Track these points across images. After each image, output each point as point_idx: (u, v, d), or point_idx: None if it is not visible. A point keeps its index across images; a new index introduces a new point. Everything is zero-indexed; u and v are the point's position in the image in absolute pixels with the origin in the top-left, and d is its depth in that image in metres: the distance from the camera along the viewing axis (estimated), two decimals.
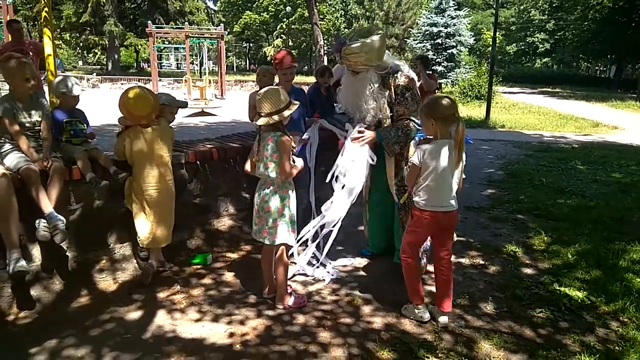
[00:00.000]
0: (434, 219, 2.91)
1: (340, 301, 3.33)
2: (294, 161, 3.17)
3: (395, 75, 3.48)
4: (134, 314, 3.11)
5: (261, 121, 3.05)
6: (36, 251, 3.24)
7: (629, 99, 23.50)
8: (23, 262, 2.92)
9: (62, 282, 3.32)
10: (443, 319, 3.02)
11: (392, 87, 3.48)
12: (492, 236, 4.53)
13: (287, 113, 3.07)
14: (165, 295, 3.35)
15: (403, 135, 3.47)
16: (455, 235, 3.84)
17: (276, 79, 4.51)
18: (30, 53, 6.83)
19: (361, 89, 3.49)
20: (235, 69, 56.68)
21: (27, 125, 3.29)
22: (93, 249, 3.56)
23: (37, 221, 3.08)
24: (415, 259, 3.10)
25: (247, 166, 3.26)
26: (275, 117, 3.03)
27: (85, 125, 3.71)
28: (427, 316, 3.04)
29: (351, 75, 3.59)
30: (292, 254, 3.66)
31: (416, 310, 3.06)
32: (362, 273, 3.80)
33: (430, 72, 7.70)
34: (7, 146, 3.21)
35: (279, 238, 3.13)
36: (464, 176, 3.13)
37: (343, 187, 3.52)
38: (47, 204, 3.06)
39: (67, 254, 3.41)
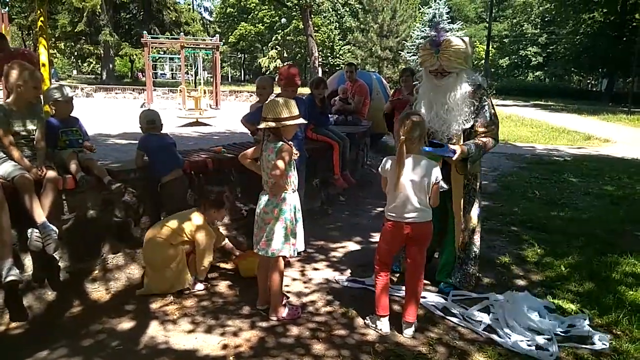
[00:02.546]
0: (397, 229, 2.94)
1: (334, 313, 3.32)
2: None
3: (481, 89, 3.34)
4: (127, 325, 3.08)
5: (262, 125, 3.06)
6: (28, 261, 3.21)
7: (620, 113, 23.72)
8: (16, 271, 2.89)
9: (54, 292, 3.29)
10: (407, 332, 3.02)
11: (477, 100, 3.31)
12: (486, 248, 4.54)
13: (289, 123, 3.05)
14: (158, 306, 3.33)
15: (482, 154, 3.33)
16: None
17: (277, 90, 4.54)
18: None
19: (451, 93, 3.26)
20: (230, 80, 56.79)
21: (23, 133, 3.28)
22: (86, 259, 3.54)
23: (29, 230, 3.06)
24: (383, 271, 3.08)
25: (247, 152, 3.29)
26: (272, 124, 3.03)
27: (81, 135, 3.70)
28: (385, 329, 3.04)
29: (434, 80, 3.31)
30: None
31: (377, 322, 3.07)
32: (357, 285, 3.79)
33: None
34: (1, 155, 3.19)
35: (275, 249, 3.12)
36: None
37: None
38: (40, 213, 3.05)
39: (59, 263, 3.39)
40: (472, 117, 3.34)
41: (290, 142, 3.13)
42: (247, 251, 3.96)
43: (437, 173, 2.93)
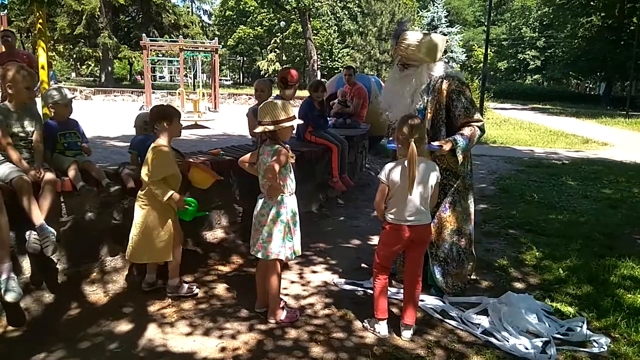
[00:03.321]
0: (400, 232, 2.94)
1: (332, 315, 3.31)
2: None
3: (448, 79, 3.40)
4: (125, 327, 3.07)
5: (259, 129, 3.06)
6: (26, 263, 3.20)
7: (618, 116, 23.82)
8: (13, 285, 2.86)
9: (52, 295, 3.28)
10: (405, 334, 3.02)
11: (445, 92, 3.39)
12: (484, 251, 4.54)
13: (286, 124, 3.06)
14: (156, 308, 3.32)
15: (469, 143, 3.36)
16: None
17: (274, 93, 4.56)
18: (24, 64, 6.82)
19: (405, 86, 3.38)
20: (230, 81, 56.88)
21: (21, 135, 3.29)
22: (84, 262, 3.53)
23: (27, 233, 3.05)
24: (382, 274, 3.07)
25: (245, 157, 3.30)
26: (270, 127, 3.03)
27: (79, 138, 3.70)
28: (384, 332, 3.05)
29: (398, 71, 3.47)
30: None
31: (376, 325, 3.07)
32: (355, 288, 3.79)
33: None
34: None
35: (272, 252, 3.11)
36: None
37: None
38: (38, 215, 3.04)
39: (57, 266, 3.38)
40: (439, 111, 3.42)
41: (287, 145, 3.13)
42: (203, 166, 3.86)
43: (437, 173, 2.97)
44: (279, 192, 3.08)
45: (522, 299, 3.36)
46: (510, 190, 7.19)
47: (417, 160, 2.80)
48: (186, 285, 3.52)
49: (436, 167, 3.00)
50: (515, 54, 48.68)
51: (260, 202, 3.17)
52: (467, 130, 3.40)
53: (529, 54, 47.31)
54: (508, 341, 2.96)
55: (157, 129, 3.30)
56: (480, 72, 22.64)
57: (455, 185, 3.54)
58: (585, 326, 3.10)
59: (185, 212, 3.41)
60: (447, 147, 3.29)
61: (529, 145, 13.12)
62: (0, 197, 2.89)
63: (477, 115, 3.46)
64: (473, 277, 3.95)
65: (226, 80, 54.64)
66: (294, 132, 4.58)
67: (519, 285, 3.86)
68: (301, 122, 4.18)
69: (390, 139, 3.31)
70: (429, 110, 3.45)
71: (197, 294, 3.53)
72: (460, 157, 3.35)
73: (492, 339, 3.00)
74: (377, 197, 3.01)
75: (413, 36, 3.33)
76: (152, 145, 3.28)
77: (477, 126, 3.43)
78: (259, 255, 3.16)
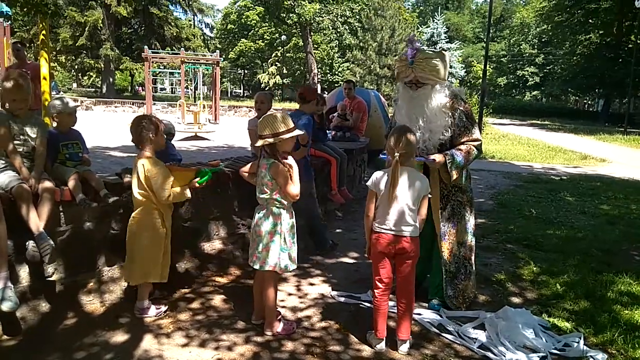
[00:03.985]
0: (383, 241, 2.96)
1: (329, 328, 3.30)
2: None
3: (452, 98, 3.43)
4: (121, 338, 3.06)
5: (259, 143, 3.08)
6: (23, 272, 3.20)
7: (616, 133, 23.91)
8: (10, 294, 2.85)
9: (48, 304, 3.27)
10: (402, 348, 3.02)
11: (451, 111, 3.42)
12: (482, 265, 4.54)
13: (286, 137, 3.07)
14: (152, 319, 3.31)
15: (464, 161, 3.39)
16: None
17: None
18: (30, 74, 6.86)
19: (427, 104, 3.38)
20: (229, 95, 57.10)
21: (21, 141, 3.29)
22: (81, 271, 3.53)
23: (27, 242, 3.05)
24: (379, 290, 3.03)
25: (245, 167, 3.33)
26: (269, 140, 3.05)
27: (81, 149, 3.71)
28: (381, 347, 3.03)
29: (410, 91, 3.46)
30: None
31: (373, 341, 3.07)
32: (352, 301, 3.78)
33: None
34: (0, 164, 3.20)
35: (268, 263, 3.11)
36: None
37: None
38: (37, 223, 3.05)
39: (54, 275, 3.37)
40: (452, 128, 3.43)
41: (289, 157, 3.15)
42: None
43: (424, 185, 2.98)
44: (295, 197, 3.12)
45: (519, 314, 3.36)
46: (509, 205, 7.20)
47: (400, 170, 2.88)
48: (154, 307, 3.41)
49: (424, 180, 3.01)
50: (514, 70, 49.06)
51: (257, 213, 3.19)
52: (464, 147, 3.43)
53: (527, 70, 47.67)
54: (505, 356, 2.96)
55: (141, 140, 3.26)
56: (480, 88, 22.78)
57: (462, 201, 3.58)
58: (582, 342, 3.09)
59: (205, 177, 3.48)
60: (439, 159, 3.31)
61: (528, 160, 13.16)
62: (0, 205, 2.90)
63: (475, 135, 3.48)
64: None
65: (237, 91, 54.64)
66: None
67: (516, 300, 3.85)
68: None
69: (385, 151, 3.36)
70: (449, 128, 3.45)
71: (166, 310, 3.44)
72: (454, 174, 3.37)
73: (489, 354, 2.99)
74: (367, 204, 3.07)
75: (431, 54, 3.36)
76: (141, 160, 3.24)
77: (474, 145, 3.46)
78: (256, 266, 3.16)
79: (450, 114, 3.42)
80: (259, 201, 3.19)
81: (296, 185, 3.10)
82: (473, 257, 3.72)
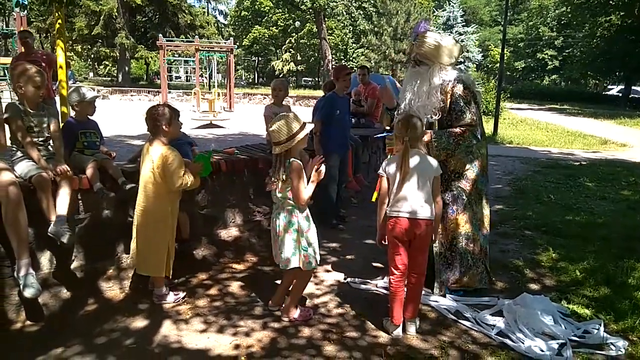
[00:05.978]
0: (399, 226, 2.94)
1: (346, 314, 3.31)
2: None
3: (455, 83, 3.45)
4: (140, 324, 3.11)
5: (278, 150, 3.04)
6: (44, 259, 3.26)
7: (637, 117, 23.41)
8: (32, 281, 2.89)
9: (69, 291, 3.33)
10: (410, 330, 3.03)
11: (449, 95, 3.44)
12: (500, 252, 4.51)
13: (301, 135, 3.02)
14: (171, 305, 3.36)
15: (453, 143, 3.39)
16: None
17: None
18: (43, 64, 6.92)
19: (418, 82, 3.46)
20: (244, 81, 57.09)
21: (36, 130, 3.31)
22: (101, 258, 3.58)
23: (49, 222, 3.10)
24: (395, 277, 3.01)
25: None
26: (287, 144, 2.99)
27: (98, 138, 3.74)
28: (398, 333, 3.03)
29: (411, 68, 3.59)
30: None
31: (390, 327, 3.07)
32: (368, 287, 3.78)
33: None
34: (19, 154, 3.24)
35: (291, 263, 3.09)
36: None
37: None
38: (60, 208, 3.09)
39: (75, 262, 3.43)
40: (443, 111, 3.46)
41: (301, 157, 3.11)
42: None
43: (435, 167, 2.99)
44: (302, 202, 3.07)
45: (537, 301, 3.32)
46: (527, 191, 7.11)
47: (410, 153, 2.92)
48: (172, 293, 3.44)
49: (434, 162, 3.01)
50: (532, 53, 48.08)
51: (274, 213, 3.19)
52: (457, 130, 3.43)
53: (546, 54, 46.70)
54: (523, 343, 2.94)
55: (156, 130, 3.24)
56: (497, 72, 22.44)
57: (461, 187, 3.51)
58: (602, 329, 3.06)
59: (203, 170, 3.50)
60: (426, 138, 3.34)
61: (546, 145, 12.97)
62: (20, 194, 2.94)
63: (467, 119, 3.42)
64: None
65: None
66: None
67: (534, 286, 3.82)
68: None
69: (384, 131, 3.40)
70: (438, 111, 3.49)
71: (184, 296, 3.47)
72: (441, 155, 3.36)
73: (507, 340, 2.97)
74: (380, 193, 3.07)
75: (432, 36, 3.45)
76: (155, 148, 3.21)
77: (470, 130, 3.43)
78: (280, 266, 3.18)
79: (444, 98, 3.44)
80: (274, 200, 3.19)
81: (308, 189, 3.06)
82: (478, 252, 3.60)
